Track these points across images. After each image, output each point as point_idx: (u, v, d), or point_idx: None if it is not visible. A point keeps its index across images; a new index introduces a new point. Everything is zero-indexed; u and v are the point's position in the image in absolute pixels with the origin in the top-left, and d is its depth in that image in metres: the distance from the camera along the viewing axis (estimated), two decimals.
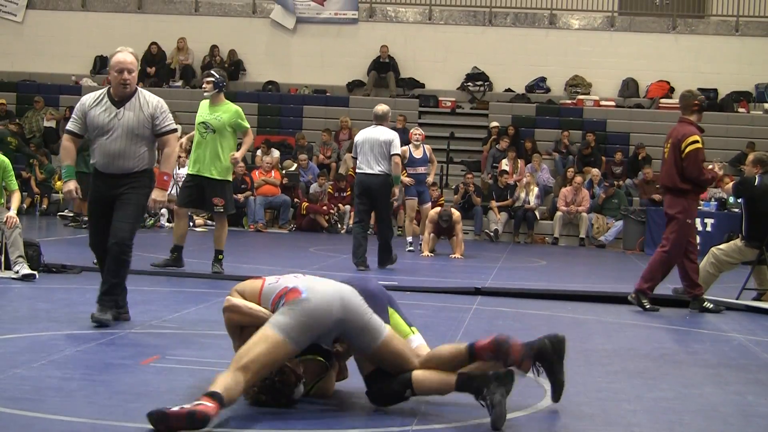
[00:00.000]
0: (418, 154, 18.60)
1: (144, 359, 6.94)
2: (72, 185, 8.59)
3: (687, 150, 11.61)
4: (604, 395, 6.72)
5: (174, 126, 8.73)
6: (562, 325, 10.22)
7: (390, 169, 14.48)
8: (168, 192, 8.86)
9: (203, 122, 13.02)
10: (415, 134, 18.71)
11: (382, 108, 15.05)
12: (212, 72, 13.26)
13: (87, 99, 8.66)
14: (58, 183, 23.16)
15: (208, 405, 5.32)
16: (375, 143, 14.49)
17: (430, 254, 17.90)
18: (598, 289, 13.29)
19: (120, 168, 8.51)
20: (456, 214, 18.22)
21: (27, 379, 6.39)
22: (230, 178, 13.22)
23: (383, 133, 14.59)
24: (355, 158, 15.07)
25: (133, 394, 6.15)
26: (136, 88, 8.67)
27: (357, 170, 14.88)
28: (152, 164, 8.72)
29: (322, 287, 5.93)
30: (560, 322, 10.45)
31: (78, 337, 7.94)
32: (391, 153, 14.48)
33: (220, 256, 12.89)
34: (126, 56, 8.58)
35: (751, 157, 13.50)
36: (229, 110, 13.14)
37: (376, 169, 14.45)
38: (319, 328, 5.80)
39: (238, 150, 13.25)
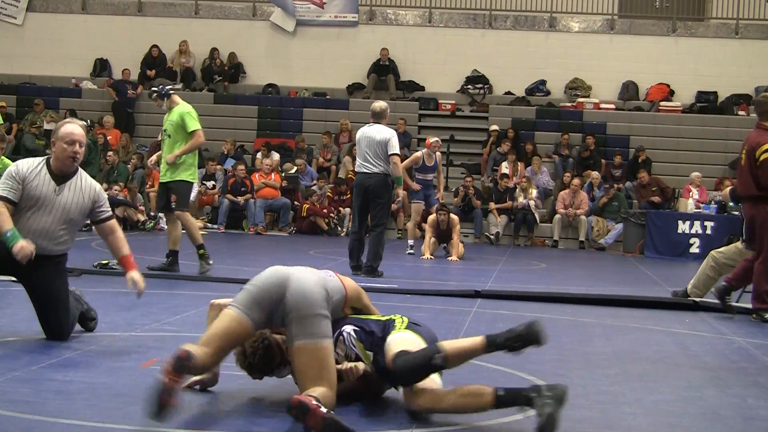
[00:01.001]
0: (430, 162, 18.64)
1: (144, 362, 6.94)
2: (25, 243, 7.51)
3: (762, 158, 11.33)
4: (604, 398, 6.71)
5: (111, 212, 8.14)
6: (561, 328, 10.23)
7: (388, 168, 14.18)
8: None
9: (164, 129, 13.27)
10: (433, 143, 18.77)
11: (379, 105, 14.71)
12: (153, 88, 13.56)
13: (25, 166, 7.79)
14: None
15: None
16: (372, 142, 14.14)
17: (431, 257, 17.90)
18: (599, 292, 13.29)
19: (40, 249, 7.68)
20: (454, 217, 18.23)
21: (27, 381, 6.39)
22: (185, 177, 13.24)
23: (380, 132, 14.21)
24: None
25: (133, 397, 6.14)
26: (78, 167, 7.93)
27: (355, 170, 14.68)
28: (68, 249, 8.08)
29: (291, 270, 6.02)
30: (560, 324, 10.45)
31: (78, 340, 7.93)
32: (389, 153, 14.10)
33: (201, 251, 12.95)
34: (76, 128, 7.77)
35: None
36: (178, 111, 13.22)
37: (373, 168, 14.13)
38: (267, 302, 5.85)
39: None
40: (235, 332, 5.84)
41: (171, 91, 13.30)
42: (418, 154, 18.89)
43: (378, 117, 14.46)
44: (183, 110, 13.25)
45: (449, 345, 5.94)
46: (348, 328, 6.24)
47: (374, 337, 6.18)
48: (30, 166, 7.79)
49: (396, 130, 25.37)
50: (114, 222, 8.01)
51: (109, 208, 8.05)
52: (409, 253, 18.51)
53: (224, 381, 6.40)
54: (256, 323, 5.88)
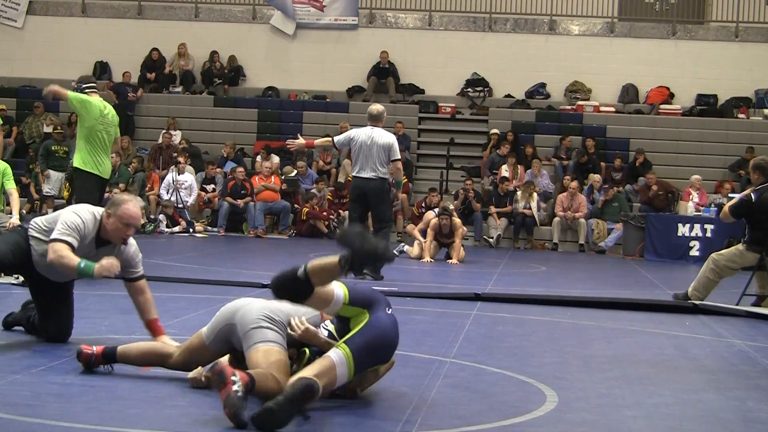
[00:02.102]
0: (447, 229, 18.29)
1: (144, 365, 6.94)
2: (105, 263, 7.36)
3: None
4: (604, 401, 6.71)
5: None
6: (561, 331, 10.24)
7: (387, 173, 14.13)
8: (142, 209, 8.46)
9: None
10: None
11: (377, 108, 14.56)
12: (72, 83, 13.43)
13: (89, 223, 7.64)
14: (65, 192, 23.15)
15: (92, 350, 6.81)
16: (372, 147, 14.05)
17: (430, 260, 17.90)
18: (599, 295, 13.30)
19: (62, 276, 7.81)
20: (457, 221, 18.19)
21: (27, 384, 6.39)
22: (84, 167, 12.84)
23: (381, 137, 14.13)
24: (336, 145, 14.58)
25: (134, 399, 6.16)
26: None
27: (353, 174, 14.55)
28: None
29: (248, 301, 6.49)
30: (560, 327, 10.46)
31: (78, 343, 7.92)
32: (392, 158, 14.08)
33: None
34: (137, 213, 7.63)
35: (751, 162, 13.45)
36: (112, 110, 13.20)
37: (372, 173, 14.05)
38: (219, 327, 6.45)
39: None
40: (193, 348, 6.65)
41: (86, 90, 13.16)
42: (435, 220, 18.41)
43: (375, 120, 14.37)
44: (74, 95, 13.01)
45: (314, 260, 6.16)
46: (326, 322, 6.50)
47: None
48: (90, 223, 7.63)
49: (395, 133, 25.45)
50: (144, 282, 7.83)
51: (142, 269, 7.87)
52: (400, 251, 18.54)
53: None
54: (210, 343, 6.54)
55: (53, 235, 7.48)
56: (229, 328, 6.37)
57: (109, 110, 12.99)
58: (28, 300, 8.25)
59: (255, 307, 6.34)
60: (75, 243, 7.47)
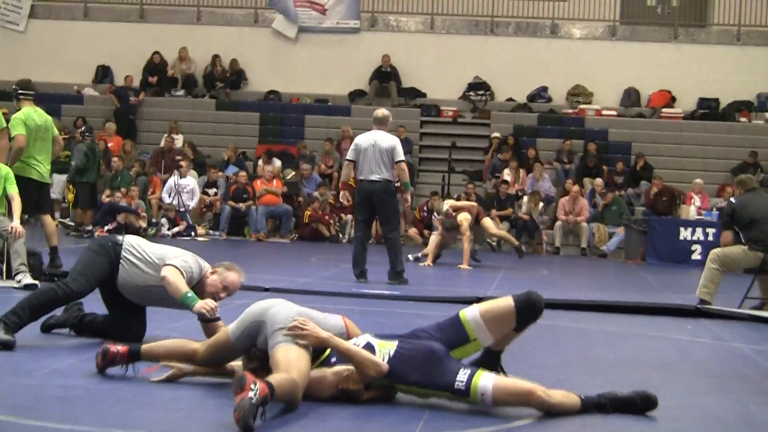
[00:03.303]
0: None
1: (147, 368, 6.94)
2: (213, 303, 7.62)
3: None
4: None
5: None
6: (564, 335, 10.23)
7: (392, 175, 14.17)
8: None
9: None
10: None
11: (382, 112, 14.66)
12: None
13: (195, 270, 7.88)
14: (70, 196, 23.18)
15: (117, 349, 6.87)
16: (377, 149, 14.09)
17: (430, 264, 17.96)
18: (601, 298, 13.30)
19: (143, 302, 8.21)
20: (465, 223, 18.11)
21: (29, 387, 6.39)
22: (26, 174, 12.90)
23: (385, 139, 14.19)
24: (351, 161, 14.57)
25: (136, 402, 6.16)
26: None
27: (358, 177, 14.57)
28: None
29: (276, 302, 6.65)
30: (562, 331, 10.46)
31: (80, 345, 7.94)
32: (396, 160, 14.09)
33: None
34: (240, 283, 7.92)
35: (735, 179, 13.71)
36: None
37: (377, 176, 14.07)
38: (247, 324, 6.53)
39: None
40: (219, 345, 6.74)
41: (21, 95, 13.15)
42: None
43: (380, 123, 14.42)
44: (16, 115, 12.99)
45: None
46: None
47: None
48: (196, 272, 7.88)
49: (398, 137, 25.44)
50: (219, 324, 7.83)
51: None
52: (416, 258, 18.59)
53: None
54: (235, 340, 6.62)
55: (173, 262, 7.81)
56: (257, 325, 6.48)
57: (40, 115, 13.04)
58: (71, 303, 8.32)
59: (287, 309, 6.49)
60: (187, 276, 7.77)
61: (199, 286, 7.84)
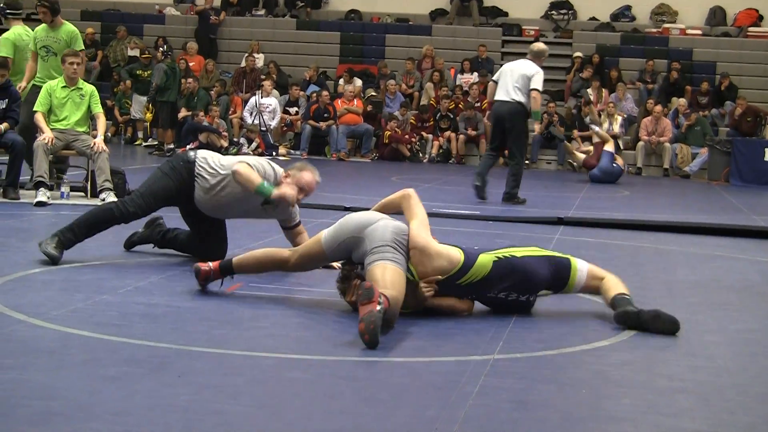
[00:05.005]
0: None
1: (229, 286, 7.02)
2: (294, 191, 7.70)
3: None
4: (686, 326, 6.64)
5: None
6: (645, 256, 10.18)
7: (524, 100, 14.36)
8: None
9: (44, 46, 12.75)
10: None
11: (538, 46, 15.18)
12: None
13: (267, 169, 7.83)
14: (148, 115, 23.38)
15: (208, 266, 6.93)
16: (516, 73, 14.42)
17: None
18: (682, 219, 13.19)
19: (223, 216, 8.24)
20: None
21: (113, 305, 6.49)
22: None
23: (528, 67, 14.47)
24: (494, 81, 14.91)
25: (218, 321, 6.23)
26: None
27: (495, 98, 14.80)
28: None
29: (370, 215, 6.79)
30: (643, 252, 10.41)
31: (164, 264, 8.04)
32: (531, 87, 14.30)
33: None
34: (315, 183, 7.82)
35: None
36: (66, 31, 12.85)
37: (507, 97, 14.39)
38: (344, 238, 6.59)
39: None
40: (312, 254, 6.84)
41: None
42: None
43: (535, 57, 14.74)
44: (73, 29, 12.91)
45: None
46: None
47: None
48: (269, 170, 7.85)
49: (478, 56, 25.27)
50: (302, 227, 8.20)
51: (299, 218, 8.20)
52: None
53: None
54: (328, 251, 6.73)
55: (244, 160, 7.84)
56: (355, 240, 6.54)
57: (28, 32, 12.87)
58: (152, 218, 8.42)
59: (389, 229, 6.50)
60: (260, 173, 7.73)
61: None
